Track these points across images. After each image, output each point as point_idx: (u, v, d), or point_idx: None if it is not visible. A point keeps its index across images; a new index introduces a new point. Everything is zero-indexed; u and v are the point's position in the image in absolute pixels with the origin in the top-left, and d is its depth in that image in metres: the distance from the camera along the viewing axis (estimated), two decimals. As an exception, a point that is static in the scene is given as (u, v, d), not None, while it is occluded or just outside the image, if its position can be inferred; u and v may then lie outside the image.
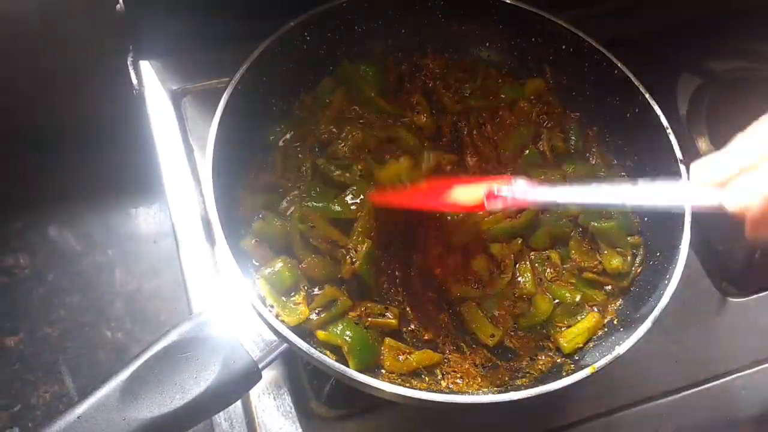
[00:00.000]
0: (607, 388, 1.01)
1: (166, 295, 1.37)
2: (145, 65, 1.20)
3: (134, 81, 1.19)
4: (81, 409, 0.67)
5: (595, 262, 0.99)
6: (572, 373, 0.78)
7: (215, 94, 0.93)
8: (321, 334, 0.85)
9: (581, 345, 0.92)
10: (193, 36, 1.19)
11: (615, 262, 0.97)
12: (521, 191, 0.80)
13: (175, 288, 1.36)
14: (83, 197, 1.44)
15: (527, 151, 1.06)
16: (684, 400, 1.02)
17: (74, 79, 1.29)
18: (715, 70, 1.28)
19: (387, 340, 0.88)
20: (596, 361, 0.79)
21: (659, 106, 0.98)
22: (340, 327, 0.85)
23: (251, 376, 0.75)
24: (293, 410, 0.95)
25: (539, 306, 0.96)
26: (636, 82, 1.00)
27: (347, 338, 0.84)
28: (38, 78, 1.30)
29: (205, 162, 0.86)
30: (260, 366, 0.76)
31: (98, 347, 1.34)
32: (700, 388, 1.03)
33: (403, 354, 0.87)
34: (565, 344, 0.92)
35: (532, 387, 0.77)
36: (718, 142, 1.19)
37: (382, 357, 0.87)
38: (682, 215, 0.89)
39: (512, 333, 0.95)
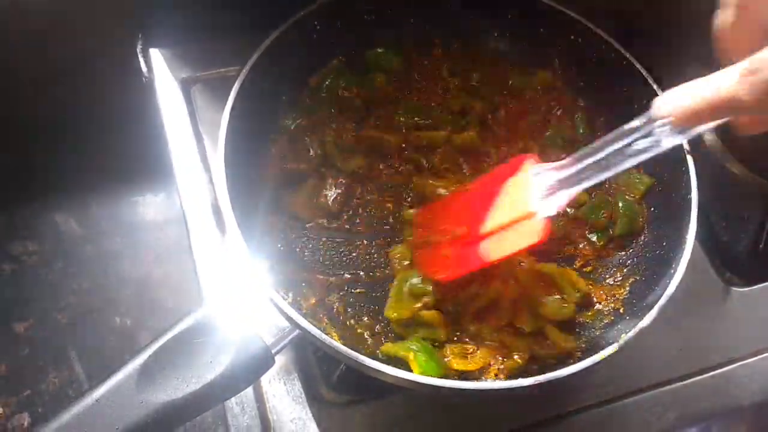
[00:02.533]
0: (610, 377, 1.02)
1: (174, 283, 1.37)
2: (154, 53, 1.20)
3: (144, 69, 1.19)
4: (99, 392, 0.68)
5: None
6: (579, 361, 0.79)
7: (225, 82, 0.94)
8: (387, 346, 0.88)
9: None
10: (204, 24, 1.19)
11: None
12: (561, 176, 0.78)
13: (183, 275, 1.37)
14: (91, 185, 1.45)
15: (549, 132, 1.07)
16: (687, 388, 1.04)
17: (83, 67, 1.29)
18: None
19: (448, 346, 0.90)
20: (603, 349, 0.81)
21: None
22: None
23: (264, 361, 0.76)
24: (303, 395, 0.96)
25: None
26: (644, 73, 1.01)
27: (414, 349, 0.86)
28: (47, 66, 1.29)
29: (217, 151, 0.86)
30: (273, 351, 0.77)
31: (107, 334, 1.34)
32: (703, 376, 1.05)
33: (468, 354, 0.89)
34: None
35: (539, 374, 0.78)
36: (726, 134, 1.20)
37: (447, 361, 0.89)
38: (690, 204, 0.90)
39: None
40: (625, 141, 0.70)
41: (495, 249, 0.85)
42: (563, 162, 0.79)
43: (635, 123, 0.69)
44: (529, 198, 0.80)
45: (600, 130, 1.09)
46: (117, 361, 1.19)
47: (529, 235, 0.80)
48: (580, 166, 0.76)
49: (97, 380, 0.71)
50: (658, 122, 0.65)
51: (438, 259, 0.93)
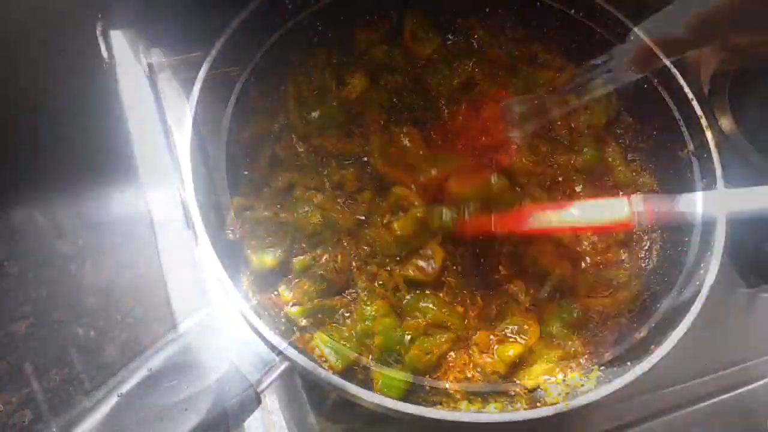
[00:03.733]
0: (626, 397, 0.93)
1: (142, 290, 1.25)
2: (116, 35, 1.09)
3: (104, 53, 1.08)
4: (50, 455, 0.56)
5: None
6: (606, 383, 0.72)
7: (195, 67, 0.85)
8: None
9: None
10: (169, 3, 1.06)
11: None
12: None
13: (153, 282, 1.25)
14: (50, 182, 1.32)
15: None
16: (713, 408, 0.95)
17: (38, 53, 1.17)
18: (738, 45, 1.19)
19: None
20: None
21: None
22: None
23: (250, 402, 0.66)
24: (289, 426, 0.86)
25: None
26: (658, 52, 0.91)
27: None
28: (-5, 51, 1.16)
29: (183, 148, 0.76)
30: (259, 390, 0.67)
31: (69, 346, 1.22)
32: (730, 394, 0.96)
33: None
34: None
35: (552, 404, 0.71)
36: (747, 125, 1.11)
37: None
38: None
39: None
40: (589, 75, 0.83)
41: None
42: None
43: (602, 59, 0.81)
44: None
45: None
46: (82, 378, 1.08)
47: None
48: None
49: (62, 408, 0.60)
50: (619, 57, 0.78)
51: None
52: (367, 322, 0.83)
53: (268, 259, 0.84)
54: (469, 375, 0.83)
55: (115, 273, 1.28)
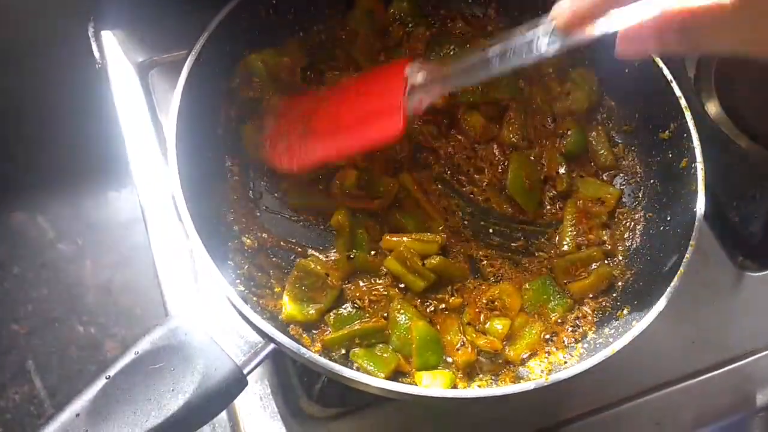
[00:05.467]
0: (617, 376, 0.94)
1: (140, 287, 1.27)
2: (107, 36, 1.10)
3: (96, 53, 1.09)
4: (42, 437, 0.58)
5: None
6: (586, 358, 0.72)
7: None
8: None
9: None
10: (161, 2, 1.09)
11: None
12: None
13: (150, 279, 1.27)
14: (47, 183, 1.34)
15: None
16: (702, 385, 0.96)
17: (31, 54, 1.19)
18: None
19: None
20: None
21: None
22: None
23: (236, 383, 0.67)
24: (282, 410, 0.87)
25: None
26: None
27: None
28: (-10, 54, 1.18)
29: (168, 142, 0.77)
30: (245, 371, 0.68)
31: (69, 344, 1.24)
32: (719, 371, 0.97)
33: None
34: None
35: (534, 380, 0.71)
36: (733, 107, 1.12)
37: None
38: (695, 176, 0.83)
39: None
40: (508, 45, 0.71)
41: (351, 140, 0.85)
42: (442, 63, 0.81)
43: (521, 29, 0.70)
44: (394, 92, 0.81)
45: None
46: (83, 374, 1.10)
47: (386, 128, 0.80)
48: (459, 66, 0.77)
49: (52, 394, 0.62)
50: (542, 27, 0.67)
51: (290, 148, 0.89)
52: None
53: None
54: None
55: (115, 271, 1.31)
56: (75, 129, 1.25)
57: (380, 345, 0.81)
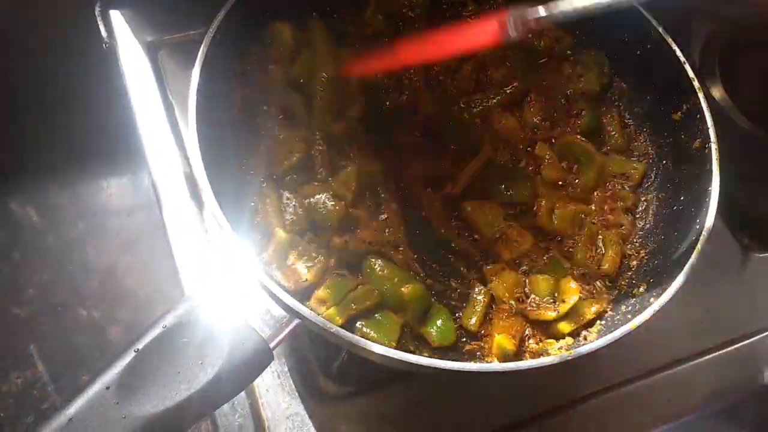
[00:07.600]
0: (628, 355, 0.95)
1: (145, 271, 1.26)
2: (115, 15, 1.08)
3: (104, 33, 1.08)
4: (71, 410, 0.57)
5: None
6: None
7: (195, 45, 0.84)
8: None
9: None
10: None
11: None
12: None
13: (154, 262, 1.26)
14: (49, 167, 1.32)
15: None
16: (711, 363, 0.97)
17: (35, 34, 1.17)
18: (728, 16, 1.22)
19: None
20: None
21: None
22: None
23: (262, 357, 0.67)
24: (299, 388, 0.87)
25: None
26: (649, 17, 0.93)
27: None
28: (-8, 35, 1.16)
29: (188, 120, 0.76)
30: (271, 345, 0.68)
31: (73, 329, 1.23)
32: (727, 349, 0.99)
33: None
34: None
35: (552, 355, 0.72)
36: (733, 89, 1.13)
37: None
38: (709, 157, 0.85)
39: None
40: None
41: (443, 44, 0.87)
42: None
43: None
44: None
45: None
46: (86, 359, 1.08)
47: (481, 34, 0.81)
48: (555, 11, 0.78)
49: (68, 388, 0.61)
50: None
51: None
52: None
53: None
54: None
55: (119, 255, 1.29)
56: (79, 113, 1.23)
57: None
